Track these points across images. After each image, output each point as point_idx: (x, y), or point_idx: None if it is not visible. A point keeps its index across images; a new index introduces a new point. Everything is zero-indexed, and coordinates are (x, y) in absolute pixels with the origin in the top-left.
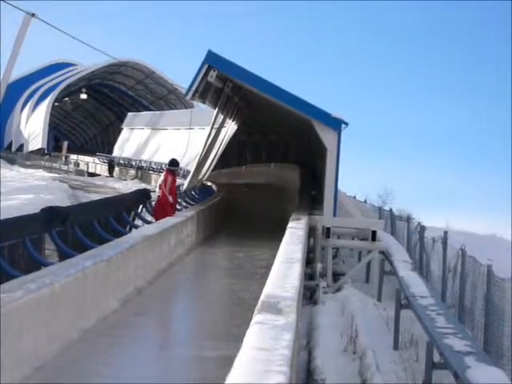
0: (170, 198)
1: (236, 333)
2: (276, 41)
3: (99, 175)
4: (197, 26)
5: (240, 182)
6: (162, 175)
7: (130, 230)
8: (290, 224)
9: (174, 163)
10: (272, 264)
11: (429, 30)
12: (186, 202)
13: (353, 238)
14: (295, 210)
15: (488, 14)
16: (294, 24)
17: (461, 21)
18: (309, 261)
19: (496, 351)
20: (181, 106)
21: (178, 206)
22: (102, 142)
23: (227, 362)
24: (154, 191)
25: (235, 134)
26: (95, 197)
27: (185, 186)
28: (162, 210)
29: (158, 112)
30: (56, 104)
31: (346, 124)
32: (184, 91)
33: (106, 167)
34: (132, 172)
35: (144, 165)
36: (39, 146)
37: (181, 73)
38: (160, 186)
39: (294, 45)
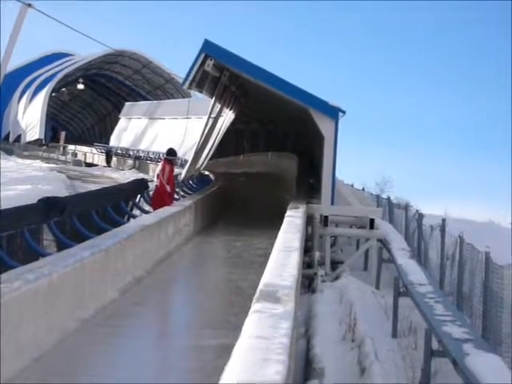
0: (168, 188)
1: (234, 321)
2: (274, 29)
3: (97, 165)
4: (194, 14)
5: (238, 171)
6: (160, 165)
7: (128, 219)
8: (288, 213)
9: (171, 153)
10: (270, 253)
11: (428, 21)
12: (183, 191)
13: (351, 226)
14: (293, 199)
15: (488, 7)
16: (294, 12)
17: (460, 11)
18: (307, 249)
19: (494, 338)
20: (178, 95)
21: (175, 196)
22: (99, 132)
23: (226, 351)
24: (152, 181)
25: (233, 123)
26: (93, 187)
27: (182, 176)
28: (160, 199)
29: (155, 101)
30: (53, 94)
31: (344, 112)
32: (181, 80)
33: (104, 157)
34: (130, 162)
35: (141, 154)
36: (37, 137)
37: (178, 62)
38: (158, 175)
39: (292, 33)
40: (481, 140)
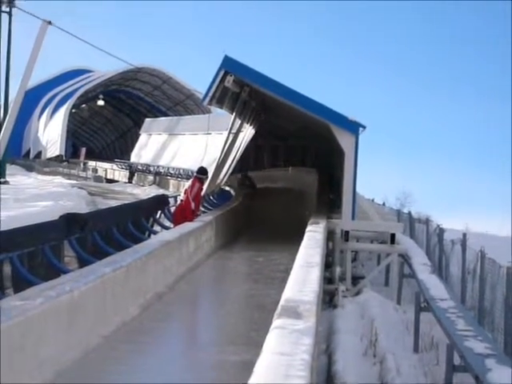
0: (193, 205)
1: (256, 337)
2: (295, 44)
3: (117, 181)
4: (213, 29)
5: (258, 186)
6: (190, 181)
7: (149, 235)
8: (309, 228)
9: (202, 171)
10: (291, 268)
11: (446, 37)
12: (204, 206)
13: (372, 242)
14: (314, 214)
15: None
16: (314, 28)
17: (480, 27)
18: (328, 264)
19: None
20: (198, 111)
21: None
22: (119, 148)
23: (247, 367)
24: (173, 197)
25: (253, 138)
26: (114, 203)
27: (203, 191)
28: (182, 215)
29: (175, 117)
30: (73, 111)
31: (364, 127)
32: (201, 96)
33: (125, 173)
34: (150, 178)
35: (162, 170)
36: (57, 153)
37: (198, 76)
38: (186, 190)
39: (314, 48)
40: (502, 154)
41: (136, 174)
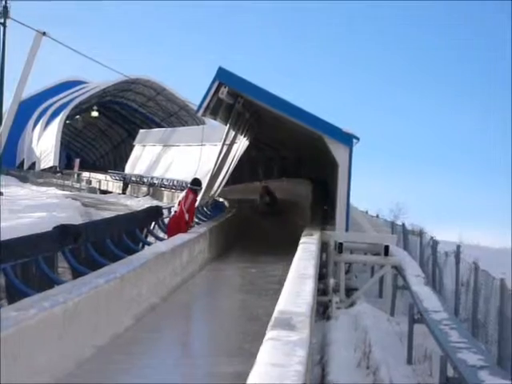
0: (187, 216)
1: (249, 349)
2: (290, 55)
3: (111, 192)
4: (207, 40)
5: (252, 197)
6: (184, 192)
7: (143, 247)
8: (303, 239)
9: (196, 182)
10: (285, 280)
11: (441, 44)
12: (198, 218)
13: (365, 253)
14: (307, 226)
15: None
16: (310, 42)
17: (477, 33)
18: (321, 276)
19: (510, 365)
20: (192, 122)
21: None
22: (114, 160)
23: (241, 379)
24: (167, 208)
25: (247, 150)
26: (107, 214)
27: (197, 203)
28: (177, 226)
29: (169, 129)
30: (67, 122)
31: (358, 139)
32: (195, 107)
33: (119, 184)
34: (144, 189)
35: (156, 182)
36: (51, 164)
37: (191, 87)
38: (179, 202)
39: (310, 61)
40: (496, 165)
41: (130, 185)
